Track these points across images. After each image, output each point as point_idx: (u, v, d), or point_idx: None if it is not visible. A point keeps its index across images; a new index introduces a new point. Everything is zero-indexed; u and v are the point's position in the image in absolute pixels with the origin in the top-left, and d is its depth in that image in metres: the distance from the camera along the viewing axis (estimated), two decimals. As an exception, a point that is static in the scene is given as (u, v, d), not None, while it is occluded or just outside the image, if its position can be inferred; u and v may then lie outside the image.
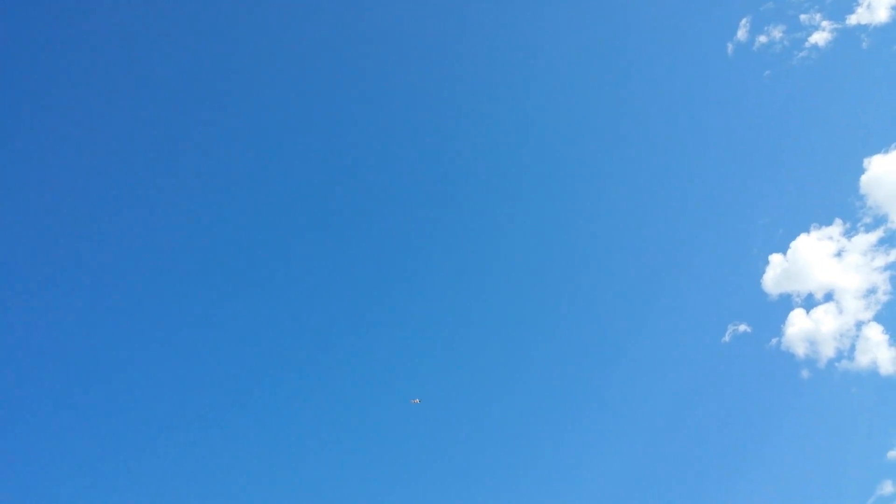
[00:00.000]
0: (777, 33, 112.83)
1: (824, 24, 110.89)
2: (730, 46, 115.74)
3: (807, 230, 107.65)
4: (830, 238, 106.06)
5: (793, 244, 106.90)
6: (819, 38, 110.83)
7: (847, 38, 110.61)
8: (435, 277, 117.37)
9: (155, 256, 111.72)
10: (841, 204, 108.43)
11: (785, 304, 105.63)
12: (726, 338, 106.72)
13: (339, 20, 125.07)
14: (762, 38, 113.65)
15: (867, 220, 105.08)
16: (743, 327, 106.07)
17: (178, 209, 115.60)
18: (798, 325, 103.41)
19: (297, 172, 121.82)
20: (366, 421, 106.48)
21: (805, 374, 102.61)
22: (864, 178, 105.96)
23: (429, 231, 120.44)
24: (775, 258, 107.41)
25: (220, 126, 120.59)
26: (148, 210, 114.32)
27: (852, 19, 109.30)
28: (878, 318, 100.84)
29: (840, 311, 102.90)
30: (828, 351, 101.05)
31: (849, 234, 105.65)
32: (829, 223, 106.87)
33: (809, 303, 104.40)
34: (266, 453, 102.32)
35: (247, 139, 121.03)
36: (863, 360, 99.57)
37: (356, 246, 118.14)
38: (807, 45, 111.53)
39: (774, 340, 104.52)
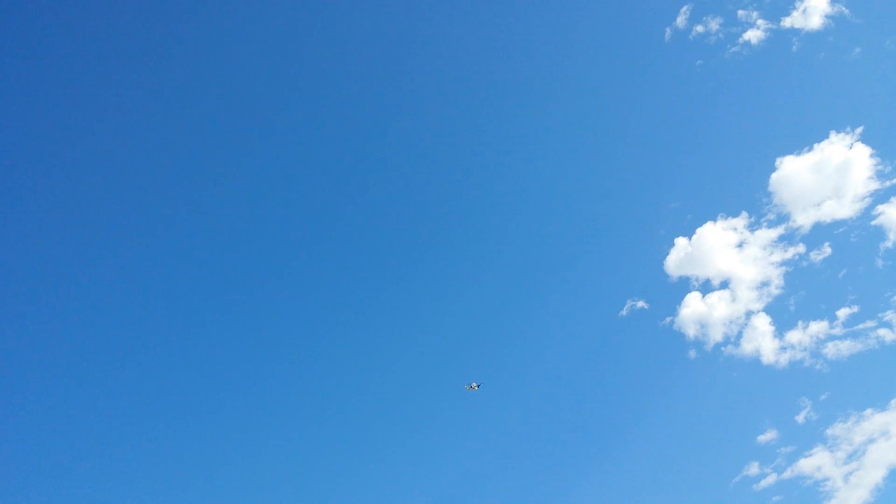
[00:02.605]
0: (714, 25, 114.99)
1: (760, 22, 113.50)
2: (668, 31, 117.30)
3: (714, 219, 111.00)
4: (735, 229, 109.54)
5: (699, 230, 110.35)
6: (753, 35, 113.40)
7: (779, 39, 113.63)
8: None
9: (153, 256, 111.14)
10: (749, 198, 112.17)
11: (683, 286, 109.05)
12: (624, 312, 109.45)
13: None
14: (699, 28, 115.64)
15: (771, 216, 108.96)
16: (641, 304, 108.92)
17: (175, 209, 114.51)
18: (693, 307, 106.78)
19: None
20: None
21: (692, 354, 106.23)
22: (774, 176, 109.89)
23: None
24: (680, 241, 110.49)
25: (217, 127, 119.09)
26: (146, 209, 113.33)
27: (787, 21, 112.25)
28: (767, 310, 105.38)
29: (733, 299, 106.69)
30: (716, 335, 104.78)
31: (752, 227, 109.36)
32: (735, 215, 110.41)
33: (706, 288, 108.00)
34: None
35: (242, 139, 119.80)
36: (747, 347, 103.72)
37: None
38: (740, 40, 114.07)
39: (668, 319, 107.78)
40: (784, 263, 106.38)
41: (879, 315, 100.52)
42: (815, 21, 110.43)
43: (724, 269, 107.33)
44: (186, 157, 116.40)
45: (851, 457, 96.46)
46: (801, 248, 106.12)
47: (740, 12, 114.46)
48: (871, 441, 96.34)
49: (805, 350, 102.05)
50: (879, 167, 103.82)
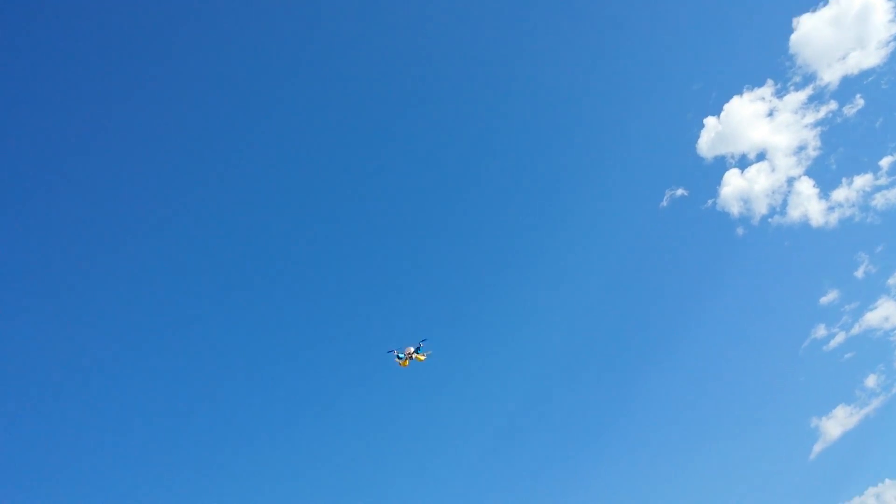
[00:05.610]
0: None
1: None
2: None
3: (739, 92, 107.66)
4: (762, 99, 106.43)
5: (726, 106, 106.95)
6: None
7: None
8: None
9: (152, 256, 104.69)
10: (771, 64, 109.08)
11: (719, 165, 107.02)
12: (664, 202, 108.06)
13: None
14: None
15: (797, 79, 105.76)
16: (680, 191, 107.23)
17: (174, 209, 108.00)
18: (733, 185, 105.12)
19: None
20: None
21: (740, 231, 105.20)
22: (793, 37, 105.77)
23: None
24: (709, 121, 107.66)
25: (216, 127, 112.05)
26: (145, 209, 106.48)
27: None
28: (808, 173, 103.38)
29: (772, 169, 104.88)
30: (761, 208, 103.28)
31: (780, 93, 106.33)
32: (760, 84, 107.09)
33: (743, 163, 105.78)
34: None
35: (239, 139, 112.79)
36: (794, 214, 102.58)
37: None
38: None
39: (710, 202, 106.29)
40: (818, 124, 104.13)
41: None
42: None
43: (759, 141, 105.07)
44: (181, 155, 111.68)
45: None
46: (833, 106, 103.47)
47: None
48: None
49: (853, 206, 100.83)
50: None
